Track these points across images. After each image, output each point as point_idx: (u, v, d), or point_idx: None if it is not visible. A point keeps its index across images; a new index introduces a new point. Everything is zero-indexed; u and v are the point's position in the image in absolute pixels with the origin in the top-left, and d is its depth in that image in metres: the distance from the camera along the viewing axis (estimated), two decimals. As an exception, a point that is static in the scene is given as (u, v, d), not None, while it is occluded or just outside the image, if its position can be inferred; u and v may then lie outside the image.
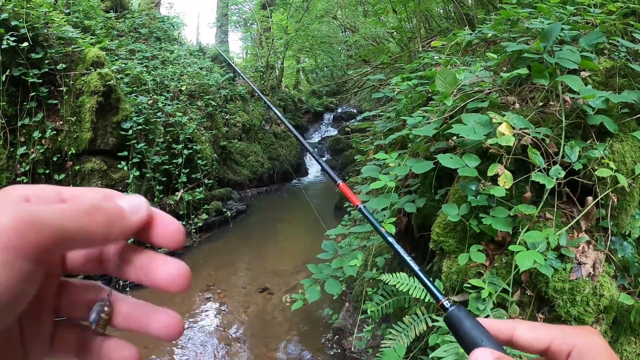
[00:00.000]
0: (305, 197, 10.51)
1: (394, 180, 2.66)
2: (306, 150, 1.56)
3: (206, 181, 8.32)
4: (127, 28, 10.76)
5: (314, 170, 14.62)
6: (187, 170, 7.78)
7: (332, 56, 22.93)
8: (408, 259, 0.80)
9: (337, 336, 4.16)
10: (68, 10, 8.18)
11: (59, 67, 6.10)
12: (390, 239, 0.88)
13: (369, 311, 2.71)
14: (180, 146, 7.81)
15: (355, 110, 18.82)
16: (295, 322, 4.83)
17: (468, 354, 0.57)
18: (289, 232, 8.79)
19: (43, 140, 5.87)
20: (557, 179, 2.21)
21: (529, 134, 2.30)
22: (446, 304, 0.65)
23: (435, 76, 3.47)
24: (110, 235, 0.42)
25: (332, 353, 4.23)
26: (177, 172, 7.62)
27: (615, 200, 2.33)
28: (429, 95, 4.01)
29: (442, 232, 2.52)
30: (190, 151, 8.05)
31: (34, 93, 5.86)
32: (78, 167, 6.13)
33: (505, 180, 2.20)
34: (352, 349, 3.84)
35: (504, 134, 2.21)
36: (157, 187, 7.04)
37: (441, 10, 13.07)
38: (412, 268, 0.77)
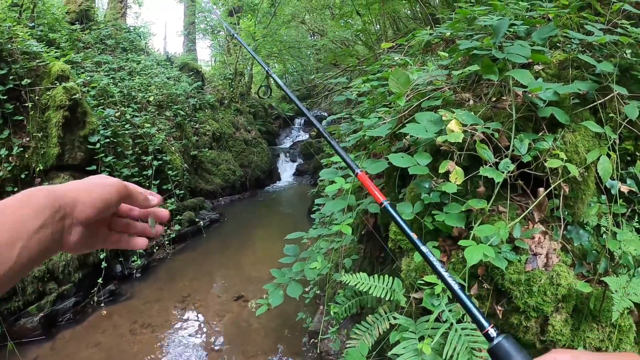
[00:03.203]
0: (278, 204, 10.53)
1: (351, 182, 2.68)
2: (321, 132, 1.51)
3: (177, 192, 8.28)
4: (93, 40, 10.66)
5: (286, 175, 14.64)
6: (158, 181, 7.74)
7: (301, 61, 22.96)
8: (450, 279, 0.78)
9: (313, 339, 4.18)
10: (32, 24, 8.08)
11: (23, 82, 6.01)
12: (413, 236, 0.89)
13: (332, 312, 2.73)
14: (149, 157, 7.75)
15: (326, 114, 18.84)
16: (271, 328, 4.84)
17: None
18: (263, 239, 8.79)
19: (10, 158, 5.76)
20: (507, 173, 2.25)
21: (478, 130, 2.34)
22: (492, 332, 0.60)
23: (388, 77, 3.52)
24: (144, 203, 0.91)
25: (309, 356, 4.25)
26: (147, 184, 7.55)
27: (567, 190, 2.38)
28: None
29: (399, 231, 2.55)
30: (160, 162, 8.00)
31: (-1, 110, 5.76)
32: (46, 183, 6.03)
33: (457, 176, 2.24)
34: (322, 350, 3.86)
35: (453, 131, 2.25)
36: (128, 200, 6.95)
37: (408, 12, 13.19)
38: (453, 289, 0.75)
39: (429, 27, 7.16)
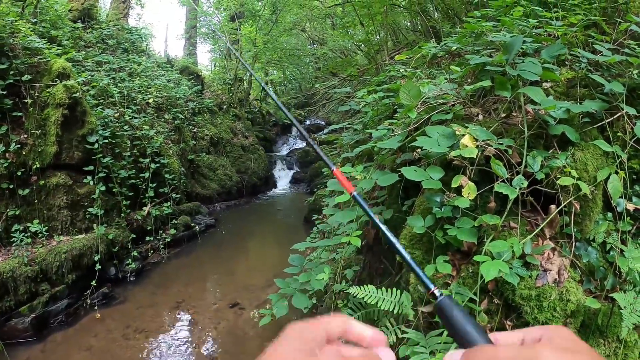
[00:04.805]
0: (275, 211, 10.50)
1: (359, 193, 2.66)
2: (302, 135, 1.52)
3: (174, 195, 8.24)
4: (94, 39, 10.64)
5: (283, 182, 14.62)
6: (155, 184, 7.68)
7: (301, 68, 23.00)
8: (395, 241, 0.83)
9: (309, 350, 4.12)
10: (35, 20, 8.03)
11: (24, 78, 5.97)
12: (376, 219, 0.89)
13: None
14: (147, 160, 7.70)
15: (323, 123, 18.90)
16: (267, 337, 4.78)
17: (459, 343, 0.62)
18: (259, 245, 8.75)
19: (7, 154, 5.70)
20: (520, 189, 2.24)
21: (492, 145, 2.33)
22: (436, 292, 0.70)
23: (400, 89, 3.51)
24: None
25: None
26: (144, 187, 7.51)
27: (578, 207, 2.38)
28: (395, 107, 4.04)
29: (409, 244, 2.53)
30: (158, 165, 7.95)
31: (-3, 105, 5.70)
32: (43, 182, 5.99)
33: (469, 191, 2.23)
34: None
35: (467, 146, 2.24)
36: (124, 202, 6.92)
37: (408, 23, 13.25)
38: (402, 254, 0.80)
39: (430, 39, 7.20)
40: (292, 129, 19.15)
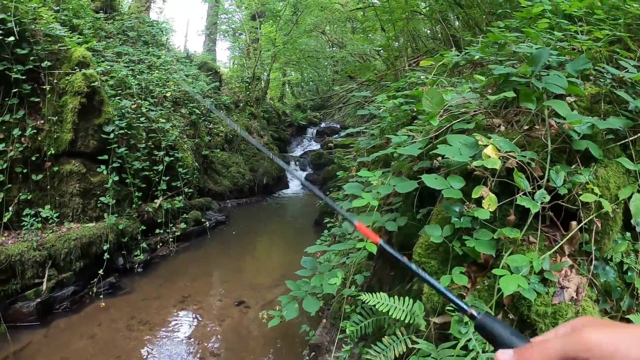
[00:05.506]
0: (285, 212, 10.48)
1: (377, 198, 2.63)
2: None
3: (186, 190, 8.24)
4: (115, 30, 10.68)
5: (295, 183, 14.60)
6: (168, 177, 7.69)
7: (319, 71, 23.02)
8: (436, 283, 0.86)
9: (314, 353, 4.08)
10: (57, 8, 8.06)
11: (44, 64, 5.97)
12: (424, 274, 0.91)
13: (347, 330, 2.66)
14: (161, 153, 7.72)
15: (338, 126, 18.87)
16: (271, 338, 4.75)
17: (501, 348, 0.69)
18: (268, 245, 8.73)
19: (22, 139, 5.72)
20: (541, 203, 2.20)
21: (515, 157, 2.29)
22: (474, 313, 0.76)
23: (421, 96, 3.47)
24: None
25: (307, 369, 4.17)
26: (157, 179, 7.52)
27: (600, 225, 2.33)
28: (414, 114, 4.01)
29: (424, 253, 2.49)
30: (172, 159, 7.97)
31: (16, 89, 5.70)
32: (56, 168, 6.00)
33: (490, 202, 2.19)
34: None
35: (490, 157, 2.20)
36: (136, 194, 6.93)
37: (428, 31, 13.21)
38: (438, 289, 0.84)
39: (452, 47, 7.16)
40: (307, 130, 19.13)
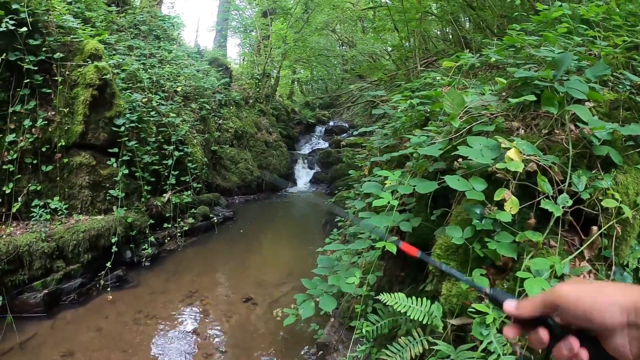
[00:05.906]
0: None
1: (397, 198, 2.62)
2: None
3: (195, 185, 8.25)
4: (127, 23, 10.68)
5: (303, 181, 14.61)
6: (177, 172, 7.70)
7: (328, 69, 22.98)
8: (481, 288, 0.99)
9: (322, 351, 4.07)
10: (70, 0, 8.07)
11: (56, 56, 5.97)
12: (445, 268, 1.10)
13: (364, 330, 2.65)
14: (171, 147, 7.73)
15: (347, 125, 18.82)
16: (279, 335, 4.75)
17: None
18: (275, 242, 8.73)
19: (33, 129, 5.72)
20: (564, 207, 2.19)
21: (537, 161, 2.28)
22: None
23: (439, 96, 3.46)
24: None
25: (315, 368, 4.16)
26: (166, 174, 7.53)
27: (620, 231, 2.31)
28: (428, 115, 3.99)
29: (444, 254, 2.48)
30: (181, 153, 7.97)
31: (28, 80, 5.70)
32: (67, 159, 6.00)
33: (512, 205, 2.17)
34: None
35: (512, 159, 2.18)
36: (145, 187, 6.94)
37: (438, 32, 13.20)
38: (463, 279, 1.05)
39: (461, 49, 7.13)
40: (316, 128, 19.10)
